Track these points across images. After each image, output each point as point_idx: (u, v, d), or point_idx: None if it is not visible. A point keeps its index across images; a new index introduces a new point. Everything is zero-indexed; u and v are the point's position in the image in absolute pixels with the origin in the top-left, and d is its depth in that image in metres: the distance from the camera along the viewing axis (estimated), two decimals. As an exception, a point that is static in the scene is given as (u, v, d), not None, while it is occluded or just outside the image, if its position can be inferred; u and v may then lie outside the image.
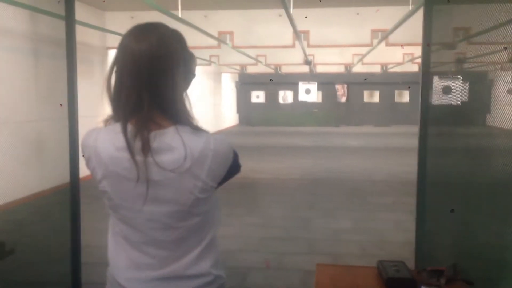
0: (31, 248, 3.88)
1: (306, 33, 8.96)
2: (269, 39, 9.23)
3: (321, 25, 8.97)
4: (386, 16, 8.41)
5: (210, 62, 13.90)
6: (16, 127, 6.17)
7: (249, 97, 23.59)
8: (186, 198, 1.24)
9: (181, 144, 1.20)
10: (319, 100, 22.59)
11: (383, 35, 8.44)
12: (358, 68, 15.55)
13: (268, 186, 8.46)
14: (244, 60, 13.16)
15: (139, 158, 1.19)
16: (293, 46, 9.29)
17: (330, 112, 23.37)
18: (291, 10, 6.28)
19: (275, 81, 21.27)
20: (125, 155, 1.20)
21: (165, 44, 1.23)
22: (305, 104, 21.84)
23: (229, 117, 22.46)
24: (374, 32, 8.94)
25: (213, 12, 8.94)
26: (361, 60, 12.90)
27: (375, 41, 9.06)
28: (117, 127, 1.21)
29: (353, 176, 9.45)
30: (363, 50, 11.06)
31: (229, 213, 6.45)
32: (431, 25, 2.60)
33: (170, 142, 1.20)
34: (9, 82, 6.13)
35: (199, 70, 16.66)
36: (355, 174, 9.68)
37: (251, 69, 17.38)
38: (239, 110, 24.18)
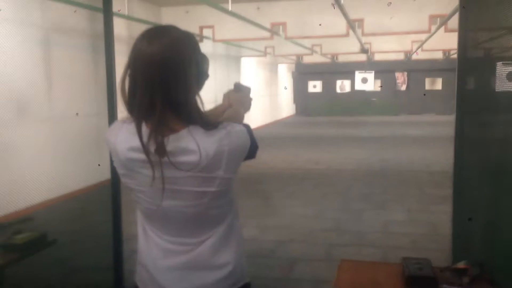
0: (72, 241, 4.08)
1: (361, 21, 8.77)
2: (322, 29, 9.12)
3: (376, 13, 8.75)
4: (445, 1, 8.06)
5: (265, 53, 13.96)
6: (73, 122, 6.44)
7: (306, 87, 23.44)
8: (203, 194, 1.29)
9: (195, 146, 1.23)
10: (378, 88, 22.08)
11: (442, 21, 8.12)
12: (418, 55, 15.03)
13: (322, 177, 8.42)
14: (300, 50, 13.09)
15: (154, 158, 1.23)
16: (347, 35, 9.13)
17: (390, 101, 22.76)
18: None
19: (332, 70, 20.99)
20: (141, 155, 1.24)
21: (176, 46, 1.25)
22: (363, 93, 21.45)
23: (286, 108, 22.43)
24: (432, 18, 8.61)
25: (266, 3, 8.95)
26: (420, 47, 12.49)
27: (433, 27, 8.74)
28: (133, 128, 1.25)
29: (410, 166, 9.21)
30: (423, 36, 10.69)
31: (281, 204, 6.50)
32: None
33: (184, 146, 1.23)
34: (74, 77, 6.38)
35: (254, 61, 16.75)
36: (413, 164, 9.42)
37: (307, 59, 17.25)
38: (296, 100, 24.07)
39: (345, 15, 6.50)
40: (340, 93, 22.96)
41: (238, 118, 1.63)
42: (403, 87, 22.89)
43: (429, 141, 13.18)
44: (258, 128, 16.86)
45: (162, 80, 1.22)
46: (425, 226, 5.34)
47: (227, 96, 1.72)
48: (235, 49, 13.69)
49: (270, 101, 19.51)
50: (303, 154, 10.96)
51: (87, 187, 6.42)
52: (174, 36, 1.28)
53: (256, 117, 17.05)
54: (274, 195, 7.12)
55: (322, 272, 4.11)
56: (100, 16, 3.09)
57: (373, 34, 9.26)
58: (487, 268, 1.69)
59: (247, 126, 1.38)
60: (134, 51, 1.27)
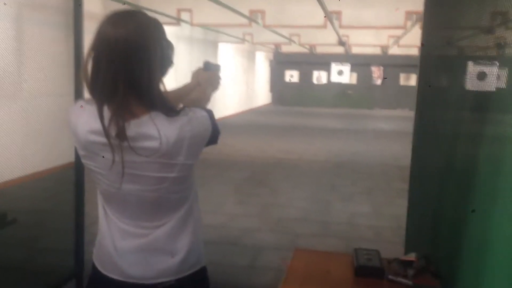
0: (35, 222, 4.04)
1: (338, 13, 8.81)
2: (301, 19, 9.13)
3: (354, 6, 8.80)
4: (422, -2, 8.16)
5: (243, 40, 13.90)
6: (43, 102, 6.31)
7: (283, 76, 23.48)
8: (163, 179, 1.30)
9: (156, 132, 1.23)
10: (353, 81, 22.28)
11: (418, 17, 8.22)
12: (394, 50, 15.20)
13: (293, 167, 8.49)
14: (278, 39, 13.07)
15: (114, 142, 1.23)
16: (324, 27, 9.16)
17: (365, 94, 23.00)
18: (320, -10, 6.20)
19: (309, 61, 21.06)
20: (102, 139, 1.24)
21: (141, 31, 1.25)
22: (339, 85, 21.62)
23: (262, 96, 22.44)
24: (408, 14, 8.71)
25: (246, -10, 8.90)
26: (396, 42, 12.62)
27: (409, 23, 8.84)
28: (95, 110, 1.24)
29: (380, 160, 9.36)
30: (399, 32, 10.81)
31: (251, 192, 6.54)
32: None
33: (145, 131, 1.24)
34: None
35: (231, 48, 16.66)
36: (383, 158, 9.58)
37: (285, 49, 17.25)
38: (273, 89, 24.11)
39: (322, 6, 6.51)
40: (316, 84, 23.09)
41: (204, 99, 1.64)
42: (379, 82, 23.16)
43: (401, 135, 13.37)
44: (234, 115, 16.85)
45: (126, 64, 1.22)
46: (390, 219, 5.46)
47: (196, 74, 1.73)
48: (213, 34, 13.59)
49: (247, 89, 19.49)
50: (276, 143, 11.01)
51: (54, 167, 6.32)
52: (140, 20, 1.28)
53: (232, 104, 17.02)
54: (244, 183, 7.16)
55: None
56: None
57: (351, 27, 9.34)
58: (433, 260, 1.76)
59: (209, 112, 1.39)
60: (98, 33, 1.26)
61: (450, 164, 1.80)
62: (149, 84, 1.25)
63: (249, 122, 15.56)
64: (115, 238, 1.39)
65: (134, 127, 1.23)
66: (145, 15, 1.31)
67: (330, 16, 7.82)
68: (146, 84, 1.25)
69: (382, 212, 5.76)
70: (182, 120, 1.27)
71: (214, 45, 15.01)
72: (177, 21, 9.24)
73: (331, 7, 7.87)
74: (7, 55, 5.81)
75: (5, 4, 5.00)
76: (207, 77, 1.70)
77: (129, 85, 1.23)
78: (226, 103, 16.13)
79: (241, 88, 18.56)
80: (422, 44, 2.39)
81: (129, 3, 7.85)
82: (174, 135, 1.25)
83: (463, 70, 1.94)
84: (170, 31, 11.35)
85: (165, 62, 1.33)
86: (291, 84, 23.42)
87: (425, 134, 2.37)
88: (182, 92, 1.72)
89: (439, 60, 2.29)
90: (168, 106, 1.28)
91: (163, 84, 1.30)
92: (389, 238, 4.79)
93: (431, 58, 2.38)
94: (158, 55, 1.28)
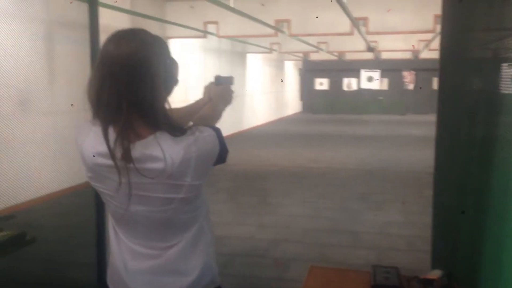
0: (58, 238, 4.08)
1: (365, 19, 8.71)
2: (326, 26, 9.08)
3: (381, 11, 8.69)
4: (450, 1, 7.98)
5: (270, 50, 13.92)
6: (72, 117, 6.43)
7: (313, 84, 23.38)
8: (171, 200, 1.27)
9: (161, 153, 1.21)
10: (384, 87, 21.97)
11: (447, 21, 8.03)
12: (425, 54, 14.92)
13: (321, 176, 8.39)
14: (305, 47, 13.03)
15: (120, 163, 1.21)
16: (351, 33, 9.07)
17: (397, 100, 22.63)
18: (345, -3, 6.14)
19: (339, 68, 20.90)
20: (108, 161, 1.23)
21: (145, 50, 1.23)
22: (370, 91, 21.35)
23: (292, 105, 22.38)
24: (437, 17, 8.53)
25: (270, 0, 8.91)
26: (427, 46, 12.39)
27: (439, 27, 8.66)
28: (100, 131, 1.23)
29: (411, 167, 9.16)
30: (429, 36, 10.61)
31: (279, 202, 6.49)
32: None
33: (150, 152, 1.21)
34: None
35: (260, 58, 16.70)
36: (414, 165, 9.36)
37: (314, 56, 17.18)
38: (303, 97, 24.02)
39: (347, 13, 6.45)
40: (346, 91, 22.88)
41: (215, 115, 1.60)
42: (411, 86, 22.76)
43: (433, 141, 13.07)
44: (263, 125, 16.84)
45: (129, 83, 1.20)
46: (422, 228, 5.30)
47: (207, 89, 1.70)
48: (241, 45, 13.66)
49: (276, 98, 19.47)
50: (304, 152, 10.92)
51: (78, 185, 6.39)
52: (143, 39, 1.26)
53: (261, 114, 17.03)
54: (272, 193, 7.11)
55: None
56: (100, 10, 3.03)
57: (377, 33, 9.21)
58: (457, 278, 1.67)
59: (217, 130, 1.36)
60: (101, 52, 1.25)
61: (469, 171, 1.71)
62: (153, 104, 1.23)
63: (278, 132, 15.51)
64: (126, 259, 1.37)
65: (139, 148, 1.21)
66: (148, 33, 1.29)
67: (356, 23, 7.74)
68: (150, 104, 1.22)
69: (414, 221, 5.61)
70: (188, 140, 1.24)
71: (242, 56, 15.08)
72: (204, 33, 9.33)
73: (357, 13, 7.79)
74: (39, 72, 5.98)
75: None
76: (218, 92, 1.67)
77: (133, 105, 1.21)
78: (255, 113, 16.15)
79: (270, 97, 18.55)
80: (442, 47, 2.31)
81: (155, 19, 7.99)
82: (180, 156, 1.22)
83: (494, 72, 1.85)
84: (197, 44, 11.51)
85: (170, 80, 1.31)
86: (321, 92, 23.28)
87: (447, 141, 2.28)
88: (193, 109, 1.69)
89: (462, 62, 2.20)
90: (173, 125, 1.25)
91: (168, 103, 1.28)
92: (422, 248, 4.64)
93: (452, 61, 2.29)
94: (162, 73, 1.26)
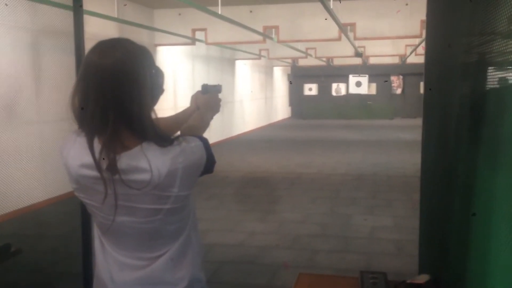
0: (42, 251, 4.02)
1: (353, 25, 8.78)
2: (314, 32, 9.13)
3: (369, 17, 8.76)
4: (436, 6, 8.05)
5: (259, 56, 13.95)
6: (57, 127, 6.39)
7: (302, 89, 23.45)
8: (157, 211, 1.26)
9: (147, 164, 1.19)
10: (373, 92, 22.11)
11: (433, 26, 8.11)
12: (412, 59, 15.05)
13: (312, 181, 8.40)
14: (294, 53, 13.09)
15: (106, 175, 1.20)
16: (339, 39, 9.13)
17: (385, 105, 22.77)
18: (331, 3, 6.19)
19: (327, 73, 21.00)
20: (93, 172, 1.21)
21: (130, 60, 1.22)
22: (359, 96, 21.46)
23: (281, 110, 22.43)
24: (423, 22, 8.61)
25: (259, 7, 8.95)
26: (414, 51, 12.50)
27: (425, 32, 8.74)
28: (85, 142, 1.21)
29: (401, 171, 9.21)
30: (416, 41, 10.70)
31: (269, 209, 6.48)
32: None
33: (135, 164, 1.20)
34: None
35: (249, 64, 16.74)
36: (403, 169, 9.42)
37: (302, 62, 17.26)
38: (292, 103, 24.08)
39: (335, 19, 6.49)
40: (335, 96, 22.98)
41: (202, 125, 1.59)
42: (399, 91, 22.92)
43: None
44: (253, 131, 16.85)
45: (115, 94, 1.19)
46: (411, 232, 5.32)
47: (194, 98, 1.69)
48: (230, 51, 13.68)
49: (266, 104, 19.50)
50: (295, 157, 10.93)
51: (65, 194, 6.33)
52: (127, 49, 1.24)
53: (250, 120, 17.04)
54: (262, 199, 7.11)
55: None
56: (88, 18, 2.99)
57: (365, 38, 9.27)
58: (443, 283, 1.67)
59: (204, 140, 1.36)
60: (85, 62, 1.23)
61: (453, 173, 1.72)
62: (139, 114, 1.21)
63: (268, 137, 15.52)
64: (112, 270, 1.36)
65: (125, 160, 1.20)
66: (133, 43, 1.28)
67: (344, 29, 7.79)
68: (136, 114, 1.21)
69: (404, 225, 5.63)
70: (174, 151, 1.23)
71: (231, 63, 15.10)
72: (192, 40, 9.34)
73: (344, 19, 7.85)
74: (25, 80, 5.94)
75: (6, 4, 5.09)
76: (205, 101, 1.66)
77: (119, 116, 1.19)
78: (244, 119, 16.16)
79: (260, 103, 18.57)
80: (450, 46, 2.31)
81: (143, 26, 7.98)
82: (166, 167, 1.21)
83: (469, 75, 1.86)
84: (186, 51, 11.49)
85: (156, 90, 1.30)
86: (310, 97, 23.35)
87: (432, 145, 2.30)
88: (181, 118, 1.68)
89: (443, 65, 2.22)
90: (160, 135, 1.24)
91: (154, 112, 1.27)
92: (411, 252, 4.66)
93: (434, 64, 2.31)
94: (147, 83, 1.24)
